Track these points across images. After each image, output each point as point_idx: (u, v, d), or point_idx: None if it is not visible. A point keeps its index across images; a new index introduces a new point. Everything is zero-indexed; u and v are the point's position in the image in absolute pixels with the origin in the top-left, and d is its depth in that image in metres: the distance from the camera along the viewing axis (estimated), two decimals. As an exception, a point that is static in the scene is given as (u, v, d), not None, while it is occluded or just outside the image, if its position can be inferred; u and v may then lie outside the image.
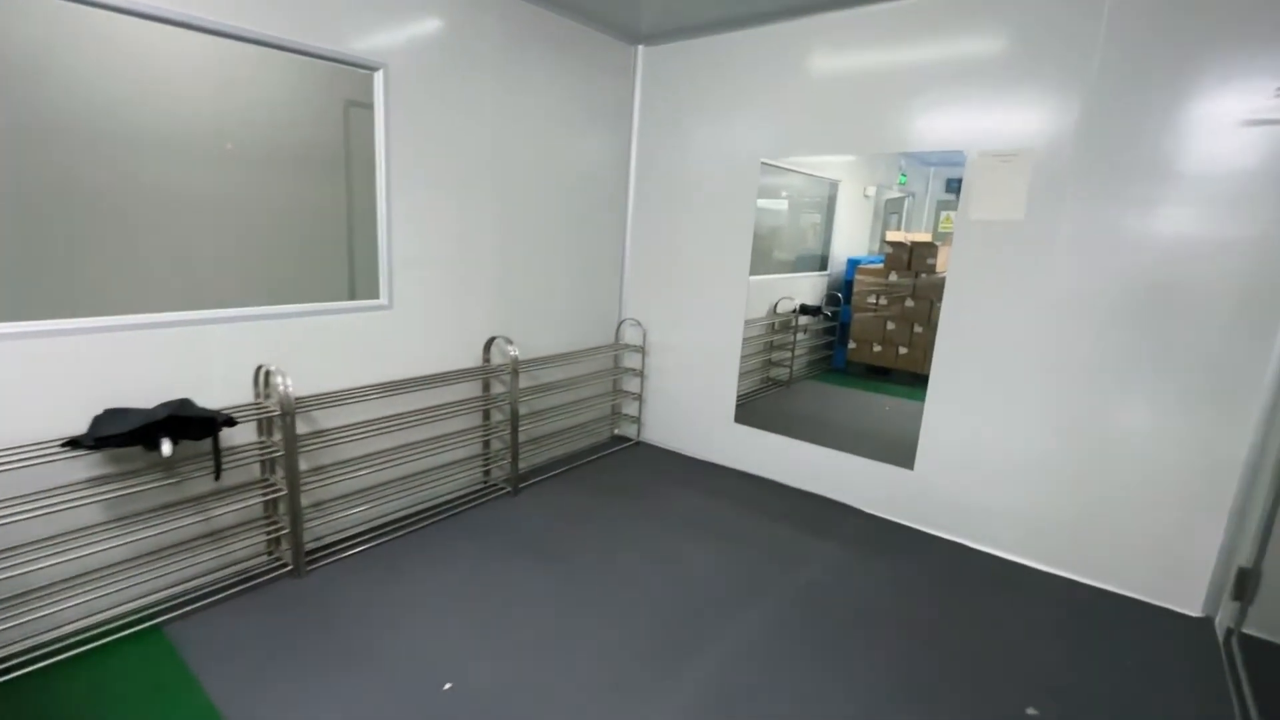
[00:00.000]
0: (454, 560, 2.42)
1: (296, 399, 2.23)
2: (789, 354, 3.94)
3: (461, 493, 2.95)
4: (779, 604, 2.21)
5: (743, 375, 3.43)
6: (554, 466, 3.34)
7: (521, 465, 3.14)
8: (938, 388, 2.72)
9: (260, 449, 2.20)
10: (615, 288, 3.69)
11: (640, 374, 3.69)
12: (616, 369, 3.74)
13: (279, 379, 2.13)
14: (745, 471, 3.38)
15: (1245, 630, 1.94)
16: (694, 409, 3.52)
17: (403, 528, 2.62)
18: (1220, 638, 2.09)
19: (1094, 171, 2.27)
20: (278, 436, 2.20)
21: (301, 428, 2.31)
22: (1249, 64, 1.99)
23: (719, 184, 3.25)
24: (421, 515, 2.72)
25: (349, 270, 2.55)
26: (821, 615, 2.16)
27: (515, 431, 2.94)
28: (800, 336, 3.97)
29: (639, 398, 3.72)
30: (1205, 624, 2.21)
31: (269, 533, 2.31)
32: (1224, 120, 2.04)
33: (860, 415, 3.65)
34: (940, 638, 2.07)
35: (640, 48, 3.42)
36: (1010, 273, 2.48)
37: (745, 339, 3.38)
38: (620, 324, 3.73)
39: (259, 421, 2.23)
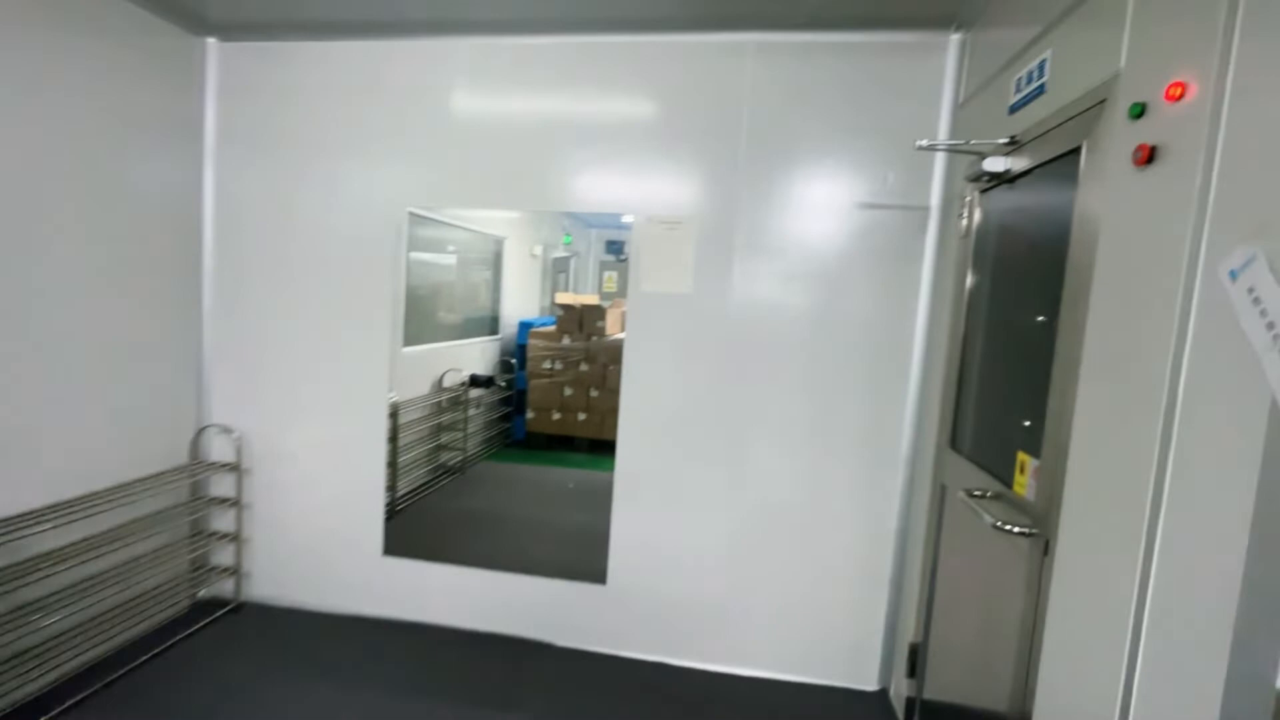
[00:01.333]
0: None
1: None
2: (461, 434, 3.38)
3: None
4: None
5: (403, 469, 2.68)
6: (67, 694, 2.00)
7: (-14, 712, 1.80)
8: (624, 482, 2.37)
9: None
10: (188, 380, 2.51)
11: (237, 503, 2.56)
12: (197, 501, 2.54)
13: None
14: (404, 620, 2.53)
15: (924, 697, 1.97)
16: (325, 539, 2.55)
17: None
18: (900, 710, 2.12)
19: (750, 244, 2.22)
20: None
21: None
22: (864, 155, 2.13)
23: (351, 236, 2.44)
24: None
25: None
26: None
27: (-47, 668, 1.62)
28: (473, 411, 3.49)
29: (236, 538, 2.58)
30: (882, 696, 2.25)
31: None
32: (843, 203, 2.16)
33: (545, 501, 3.27)
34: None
35: (211, 41, 2.42)
36: (685, 348, 2.29)
37: (404, 424, 2.64)
38: (200, 433, 2.55)
39: None
